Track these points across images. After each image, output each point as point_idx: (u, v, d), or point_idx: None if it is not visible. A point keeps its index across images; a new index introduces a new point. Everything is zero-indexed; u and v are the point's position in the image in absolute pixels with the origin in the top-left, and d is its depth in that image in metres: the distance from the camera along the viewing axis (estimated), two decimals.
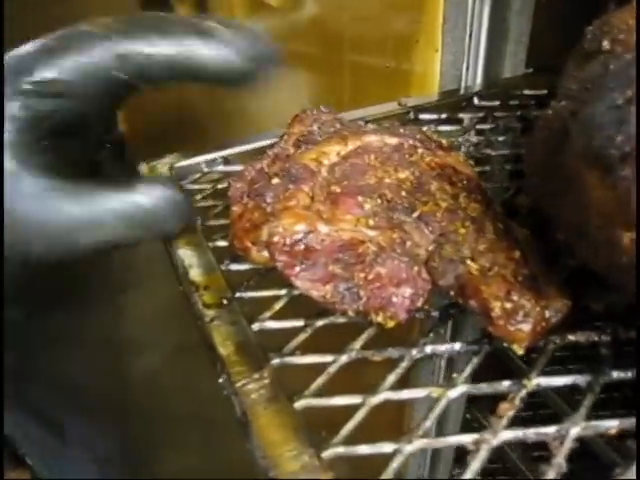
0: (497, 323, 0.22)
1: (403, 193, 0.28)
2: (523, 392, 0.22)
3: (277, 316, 0.26)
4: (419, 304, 0.24)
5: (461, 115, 0.42)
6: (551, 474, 0.19)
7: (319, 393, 0.22)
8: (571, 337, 0.24)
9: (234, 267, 0.28)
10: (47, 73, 0.24)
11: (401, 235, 0.26)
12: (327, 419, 0.21)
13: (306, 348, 0.24)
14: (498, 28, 0.48)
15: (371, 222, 0.26)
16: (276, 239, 0.25)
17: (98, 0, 0.42)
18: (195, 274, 0.28)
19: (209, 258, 0.29)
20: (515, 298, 0.23)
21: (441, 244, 0.25)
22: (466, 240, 0.25)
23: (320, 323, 0.25)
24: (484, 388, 0.22)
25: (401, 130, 0.33)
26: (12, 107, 0.24)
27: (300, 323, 0.25)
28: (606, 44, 0.23)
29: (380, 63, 0.50)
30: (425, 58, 0.51)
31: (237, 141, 0.38)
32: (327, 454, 0.20)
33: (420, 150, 0.31)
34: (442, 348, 0.24)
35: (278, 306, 0.26)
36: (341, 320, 0.25)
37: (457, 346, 0.24)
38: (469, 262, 0.24)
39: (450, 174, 0.30)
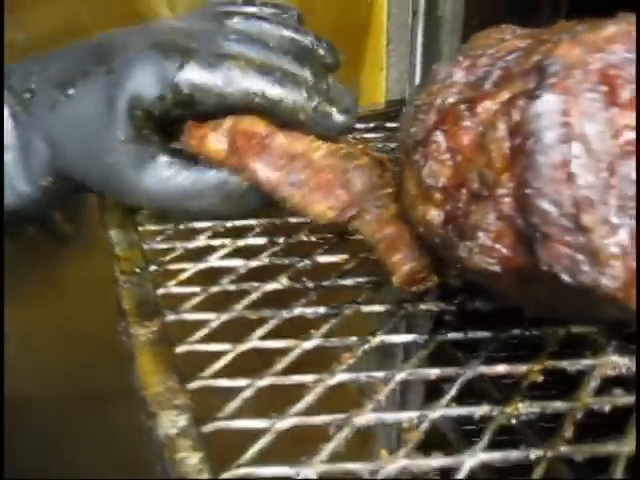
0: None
1: None
2: (366, 346, 0.27)
3: (181, 284, 0.31)
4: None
5: (388, 124, 0.46)
6: (369, 407, 0.24)
7: (200, 341, 0.27)
8: (422, 306, 0.29)
9: (153, 245, 0.34)
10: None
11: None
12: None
13: (199, 308, 0.29)
14: (431, 47, 0.53)
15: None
16: (240, 127, 0.30)
17: None
18: (119, 249, 0.33)
19: (133, 237, 0.34)
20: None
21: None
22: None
23: (215, 289, 0.30)
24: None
25: None
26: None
27: (197, 289, 0.30)
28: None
29: None
30: (372, 77, 0.56)
31: None
32: (191, 385, 0.24)
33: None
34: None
35: (183, 277, 0.31)
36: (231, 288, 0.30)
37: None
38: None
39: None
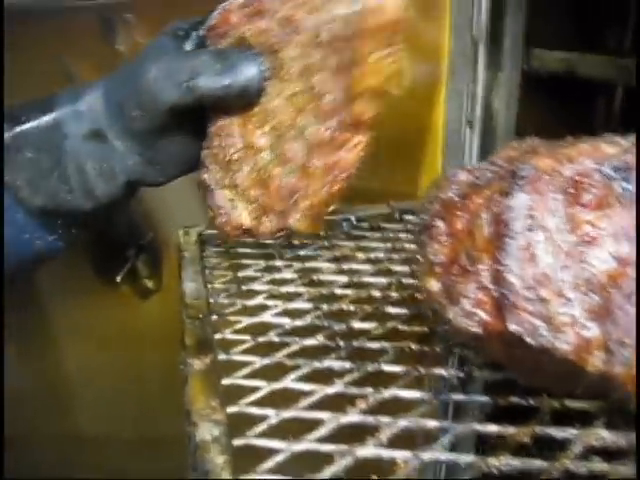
0: None
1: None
2: (379, 396, 0.31)
3: (235, 332, 0.37)
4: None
5: None
6: (371, 442, 0.28)
7: (242, 377, 0.33)
8: (435, 370, 0.33)
9: (218, 300, 0.40)
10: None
11: None
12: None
13: (247, 352, 0.35)
14: (486, 151, 0.59)
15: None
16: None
17: None
18: (189, 299, 0.40)
19: (202, 292, 0.41)
20: None
21: None
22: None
23: (262, 339, 0.36)
24: None
25: None
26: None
27: (247, 337, 0.36)
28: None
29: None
30: (430, 178, 0.63)
31: None
32: (229, 409, 0.30)
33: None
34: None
35: (237, 327, 0.37)
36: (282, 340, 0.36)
37: None
38: None
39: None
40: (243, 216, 0.41)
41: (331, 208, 0.39)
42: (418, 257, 0.30)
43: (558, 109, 0.60)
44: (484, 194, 0.26)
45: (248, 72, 0.37)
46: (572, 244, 0.24)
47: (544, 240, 0.24)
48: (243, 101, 0.38)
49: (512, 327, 0.24)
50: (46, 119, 0.40)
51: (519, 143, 0.35)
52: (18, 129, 0.40)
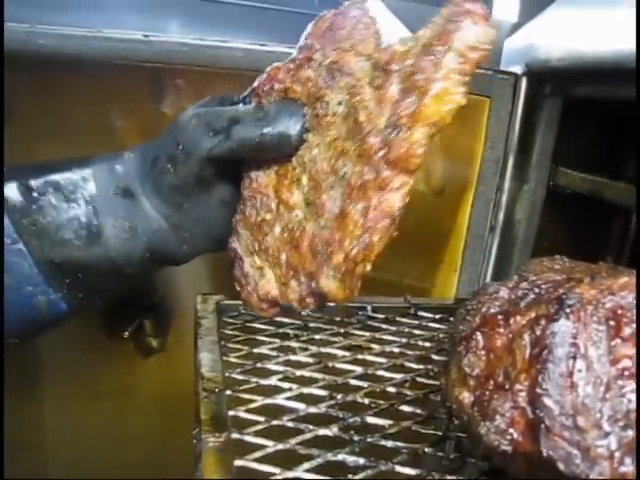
0: None
1: None
2: None
3: (248, 411, 0.37)
4: None
5: (452, 318, 0.53)
6: None
7: (255, 460, 0.32)
8: (448, 477, 0.33)
9: (233, 375, 0.40)
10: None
11: None
12: None
13: (260, 434, 0.35)
14: (504, 256, 0.61)
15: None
16: None
17: None
18: (205, 370, 0.40)
19: (218, 364, 0.40)
20: None
21: None
22: None
23: (276, 422, 0.36)
24: None
25: None
26: None
27: (261, 419, 0.36)
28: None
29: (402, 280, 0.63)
30: (447, 276, 0.64)
31: None
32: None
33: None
34: None
35: (251, 406, 0.37)
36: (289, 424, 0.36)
37: None
38: None
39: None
40: (271, 283, 0.40)
41: (368, 267, 0.34)
42: (448, 364, 0.30)
43: (577, 226, 0.62)
44: (528, 316, 0.26)
45: (287, 121, 0.36)
46: (612, 376, 0.24)
47: (585, 369, 0.24)
48: (281, 151, 0.37)
49: (546, 452, 0.24)
50: (80, 172, 0.41)
51: (550, 261, 0.36)
52: (50, 176, 0.40)
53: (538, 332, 0.26)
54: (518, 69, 0.58)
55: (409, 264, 0.43)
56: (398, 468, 0.33)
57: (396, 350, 0.48)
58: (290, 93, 0.38)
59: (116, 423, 0.69)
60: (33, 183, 0.39)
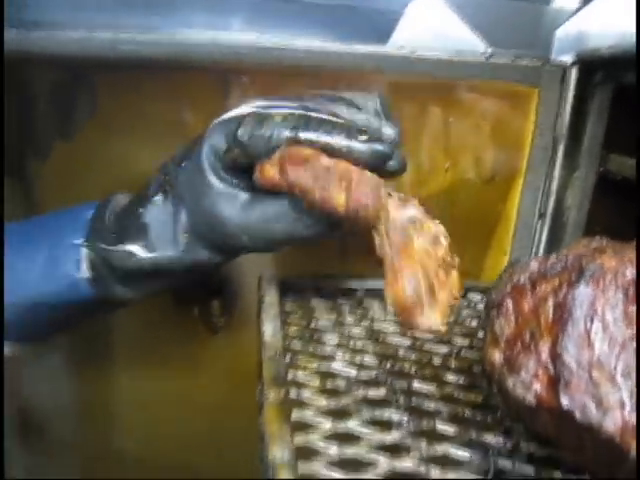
0: None
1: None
2: None
3: (306, 374, 0.41)
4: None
5: None
6: None
7: (312, 413, 0.36)
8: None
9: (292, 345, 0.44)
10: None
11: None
12: None
13: (316, 393, 0.39)
14: (554, 242, 0.62)
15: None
16: (286, 152, 0.38)
17: None
18: (267, 338, 0.44)
19: (278, 334, 0.45)
20: None
21: None
22: None
23: (329, 384, 0.40)
24: None
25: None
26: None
27: (317, 379, 0.40)
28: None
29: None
30: (496, 259, 0.66)
31: None
32: (297, 439, 0.34)
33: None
34: None
35: (309, 368, 0.41)
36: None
37: None
38: None
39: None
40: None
41: None
42: (485, 329, 0.34)
43: (627, 211, 0.63)
44: (552, 283, 0.29)
45: None
46: (627, 337, 0.27)
47: (602, 330, 0.27)
48: None
49: (564, 402, 0.27)
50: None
51: (588, 241, 0.38)
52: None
53: (560, 297, 0.29)
54: (568, 58, 0.59)
55: (460, 249, 0.45)
56: (439, 425, 0.37)
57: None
58: None
59: (183, 396, 0.75)
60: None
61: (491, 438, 0.36)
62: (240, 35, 0.62)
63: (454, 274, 0.40)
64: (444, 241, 0.40)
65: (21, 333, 0.46)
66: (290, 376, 0.40)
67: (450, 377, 0.43)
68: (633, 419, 0.26)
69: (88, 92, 0.62)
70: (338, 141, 0.37)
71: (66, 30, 0.54)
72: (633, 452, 0.26)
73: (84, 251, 0.43)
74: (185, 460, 0.80)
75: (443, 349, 0.47)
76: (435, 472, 0.32)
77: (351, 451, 0.34)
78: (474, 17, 0.76)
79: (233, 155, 0.40)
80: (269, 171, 0.38)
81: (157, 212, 0.43)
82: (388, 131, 0.39)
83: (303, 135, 0.38)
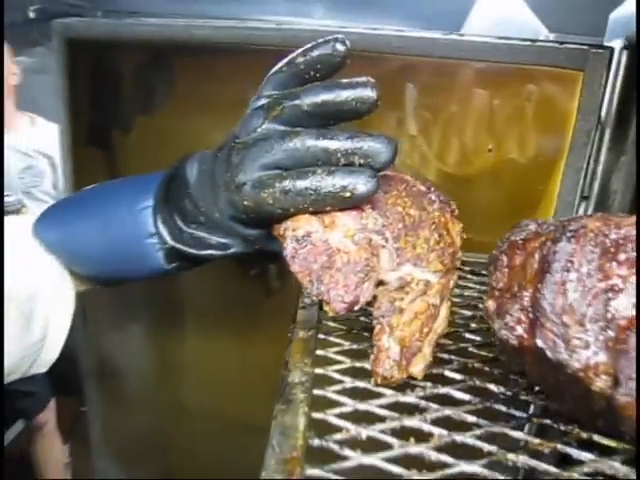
0: None
1: (400, 225, 0.38)
2: None
3: (334, 320, 0.46)
4: (356, 308, 0.37)
5: None
6: None
7: (335, 352, 0.41)
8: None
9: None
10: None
11: (369, 256, 0.36)
12: None
13: (342, 337, 0.44)
14: None
15: (355, 237, 0.37)
16: (288, 233, 0.37)
17: None
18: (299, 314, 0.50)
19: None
20: None
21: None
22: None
23: (354, 330, 0.45)
24: None
25: (432, 187, 0.42)
26: None
27: (343, 327, 0.45)
28: None
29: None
30: None
31: None
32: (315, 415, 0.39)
33: (436, 205, 0.41)
34: None
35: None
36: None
37: None
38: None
39: (442, 233, 0.40)
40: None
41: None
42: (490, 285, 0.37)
43: None
44: (540, 240, 0.33)
45: None
46: (600, 289, 0.30)
47: (576, 280, 0.30)
48: None
49: (539, 342, 0.31)
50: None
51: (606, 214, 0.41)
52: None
53: (544, 252, 0.32)
54: (619, 43, 0.61)
55: (501, 226, 0.48)
56: (447, 372, 0.41)
57: (475, 295, 0.55)
58: None
59: (243, 356, 0.82)
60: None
61: (494, 387, 0.40)
62: (318, 21, 0.67)
63: (443, 311, 0.40)
64: (433, 278, 0.39)
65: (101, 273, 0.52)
66: (319, 353, 0.45)
67: (468, 336, 0.46)
68: (597, 359, 0.29)
69: (167, 73, 0.70)
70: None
71: (148, 17, 0.62)
72: (594, 387, 0.30)
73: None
74: (244, 412, 0.87)
75: (467, 313, 0.51)
76: (434, 406, 0.37)
77: (362, 384, 0.39)
78: (536, 2, 0.78)
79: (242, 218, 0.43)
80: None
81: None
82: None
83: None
